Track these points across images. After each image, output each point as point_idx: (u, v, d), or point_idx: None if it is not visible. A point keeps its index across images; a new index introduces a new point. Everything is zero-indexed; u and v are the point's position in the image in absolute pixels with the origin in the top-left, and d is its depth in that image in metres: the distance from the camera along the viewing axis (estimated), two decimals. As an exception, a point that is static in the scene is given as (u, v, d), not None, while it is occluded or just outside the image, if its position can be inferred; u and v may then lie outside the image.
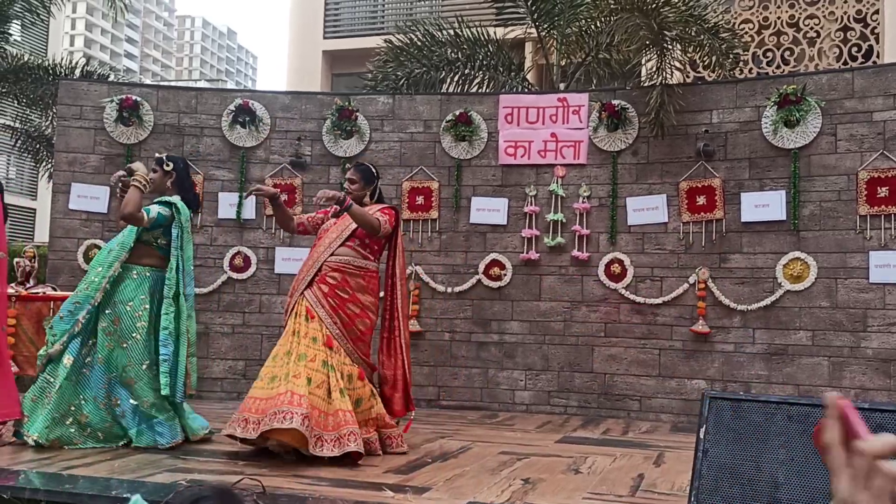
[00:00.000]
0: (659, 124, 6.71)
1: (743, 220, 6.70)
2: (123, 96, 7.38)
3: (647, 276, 6.95)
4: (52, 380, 4.56)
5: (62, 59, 10.94)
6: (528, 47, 11.38)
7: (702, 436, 2.96)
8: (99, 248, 7.25)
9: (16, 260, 6.71)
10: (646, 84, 7.51)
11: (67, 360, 4.56)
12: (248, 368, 7.25)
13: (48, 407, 4.47)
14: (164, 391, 4.58)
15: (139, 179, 4.67)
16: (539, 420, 6.56)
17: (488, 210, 7.33)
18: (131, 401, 4.61)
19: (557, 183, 7.18)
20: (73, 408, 4.55)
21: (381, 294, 5.01)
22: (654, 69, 6.93)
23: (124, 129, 7.39)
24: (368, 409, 4.64)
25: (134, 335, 4.64)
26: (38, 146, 11.14)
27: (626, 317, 6.97)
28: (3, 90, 10.40)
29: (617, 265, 7.01)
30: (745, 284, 6.67)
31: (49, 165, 11.37)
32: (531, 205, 7.22)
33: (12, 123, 12.11)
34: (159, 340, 4.65)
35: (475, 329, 7.26)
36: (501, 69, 8.27)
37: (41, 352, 4.67)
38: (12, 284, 6.71)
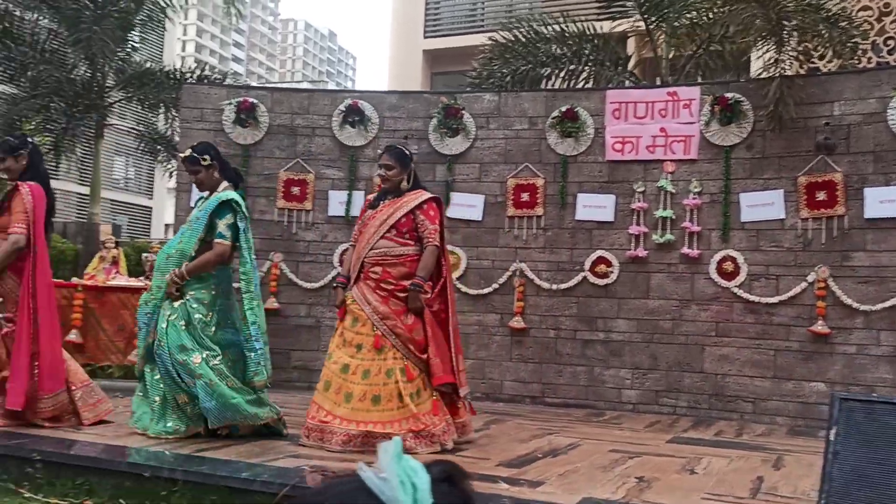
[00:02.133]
0: (777, 117, 6.49)
1: (866, 216, 6.40)
2: (241, 99, 7.70)
3: (762, 274, 6.73)
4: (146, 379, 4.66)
5: (181, 65, 11.48)
6: (630, 42, 11.21)
7: (832, 438, 2.87)
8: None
9: (144, 255, 7.12)
10: (762, 76, 7.26)
11: (141, 349, 4.71)
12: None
13: (149, 402, 4.60)
14: (261, 379, 4.60)
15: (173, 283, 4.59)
16: (647, 420, 6.46)
17: (595, 206, 7.26)
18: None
19: (667, 179, 7.04)
20: (177, 397, 4.58)
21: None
22: (771, 61, 6.69)
23: (241, 130, 7.70)
24: (406, 406, 4.46)
25: (198, 328, 4.58)
26: (158, 147, 11.72)
27: (739, 316, 6.77)
28: (129, 95, 10.99)
29: (729, 263, 6.82)
30: (868, 283, 6.37)
31: (169, 166, 12.00)
32: (639, 201, 7.11)
33: (135, 126, 12.84)
34: (250, 334, 4.61)
35: (580, 326, 7.21)
36: (608, 64, 8.18)
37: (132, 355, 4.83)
38: (141, 278, 7.14)
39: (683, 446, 5.14)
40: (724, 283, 6.82)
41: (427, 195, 4.79)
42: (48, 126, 10.90)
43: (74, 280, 7.20)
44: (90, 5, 10.03)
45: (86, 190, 23.32)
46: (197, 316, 4.57)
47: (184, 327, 4.54)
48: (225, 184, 4.80)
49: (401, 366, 4.49)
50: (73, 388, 4.80)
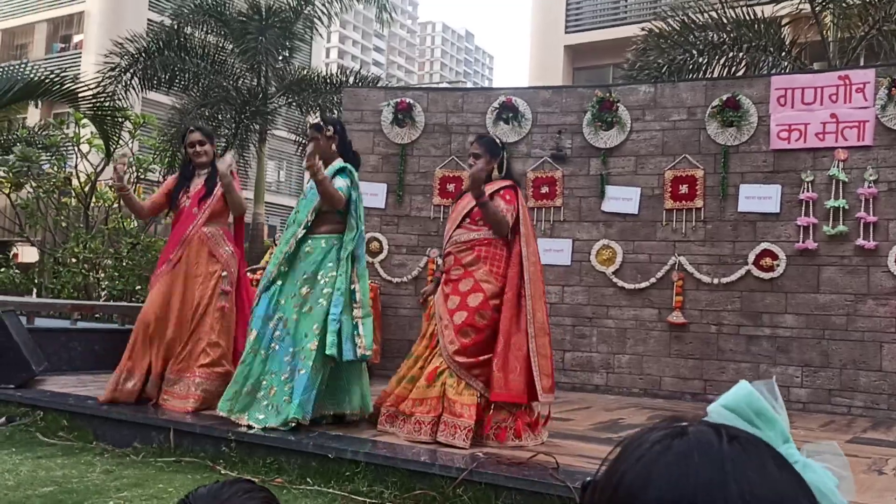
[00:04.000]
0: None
1: None
2: (398, 100, 7.97)
3: (949, 266, 6.26)
4: (244, 357, 4.64)
5: (327, 71, 11.99)
6: (789, 26, 10.67)
7: None
8: (378, 240, 7.90)
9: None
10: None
11: (252, 335, 4.63)
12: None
13: (238, 382, 4.58)
14: (330, 350, 4.36)
15: (315, 168, 4.40)
16: (820, 419, 6.16)
17: (758, 198, 6.99)
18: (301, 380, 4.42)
19: (838, 167, 6.69)
20: (264, 382, 4.54)
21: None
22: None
23: (399, 130, 7.97)
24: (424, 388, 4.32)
25: (321, 301, 4.49)
26: (316, 150, 12.27)
27: (923, 311, 6.34)
28: (289, 101, 11.60)
29: (910, 255, 6.39)
30: None
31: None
32: (808, 191, 6.79)
33: (285, 133, 13.53)
34: (331, 301, 4.45)
35: (744, 322, 6.97)
36: (771, 49, 7.84)
37: None
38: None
39: (865, 447, 4.88)
40: (904, 276, 6.40)
41: (505, 182, 4.55)
42: (218, 133, 11.70)
43: (248, 275, 7.72)
44: (255, 17, 10.65)
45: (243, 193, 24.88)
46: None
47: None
48: (340, 160, 4.76)
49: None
50: None
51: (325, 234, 4.64)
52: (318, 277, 4.55)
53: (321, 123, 4.70)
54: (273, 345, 4.55)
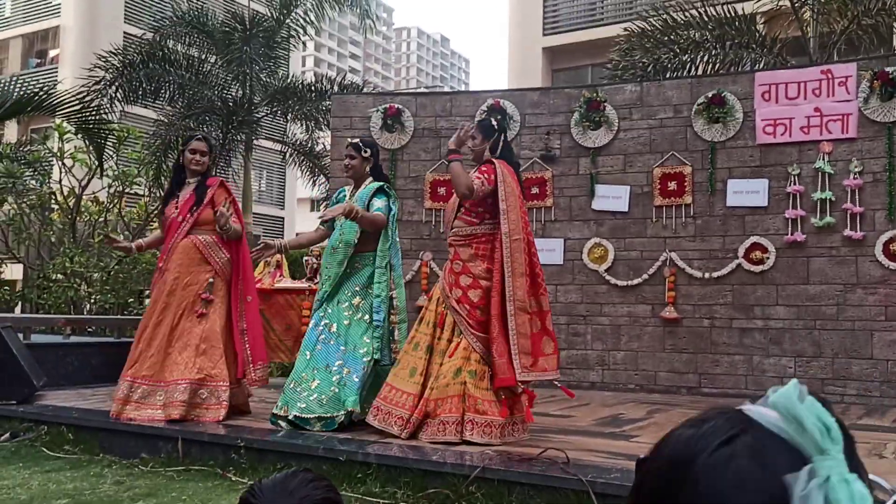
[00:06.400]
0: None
1: None
2: (387, 105, 8.01)
3: (935, 254, 6.40)
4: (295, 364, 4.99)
5: (316, 78, 12.01)
6: (770, 23, 10.83)
7: None
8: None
9: (305, 258, 7.53)
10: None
11: (303, 343, 4.96)
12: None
13: (288, 381, 4.84)
14: (376, 355, 4.69)
15: (355, 212, 4.76)
16: (815, 408, 6.25)
17: (746, 192, 7.11)
18: (354, 376, 4.70)
19: (824, 160, 6.81)
20: (305, 376, 4.76)
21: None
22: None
23: (388, 135, 8.01)
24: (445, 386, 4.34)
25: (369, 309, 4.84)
26: (302, 158, 12.30)
27: (911, 299, 6.47)
28: (274, 110, 11.61)
29: (897, 244, 6.52)
30: None
31: (313, 177, 12.55)
32: (794, 184, 6.91)
33: (267, 143, 13.54)
34: (372, 307, 4.78)
35: (736, 315, 7.08)
36: (754, 46, 7.97)
37: None
38: (303, 280, 7.56)
39: (862, 433, 4.96)
40: (892, 265, 6.54)
41: (488, 159, 4.53)
42: (204, 144, 11.67)
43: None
44: (238, 28, 10.66)
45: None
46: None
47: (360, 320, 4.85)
48: (370, 179, 5.08)
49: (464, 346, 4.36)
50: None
51: (371, 251, 4.93)
52: (369, 289, 4.88)
53: (360, 144, 5.04)
54: (318, 346, 4.82)
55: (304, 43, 12.83)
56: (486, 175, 4.41)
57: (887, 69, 6.59)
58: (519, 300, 4.31)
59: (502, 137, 4.66)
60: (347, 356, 4.75)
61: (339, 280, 4.93)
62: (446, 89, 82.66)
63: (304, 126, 12.08)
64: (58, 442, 4.92)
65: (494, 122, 4.78)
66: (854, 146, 6.76)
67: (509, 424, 4.32)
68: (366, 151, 5.04)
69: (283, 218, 29.11)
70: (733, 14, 8.32)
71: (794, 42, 8.84)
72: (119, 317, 9.39)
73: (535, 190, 7.70)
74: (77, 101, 7.44)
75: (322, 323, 4.88)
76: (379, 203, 4.93)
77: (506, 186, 4.41)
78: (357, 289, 4.90)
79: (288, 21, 11.64)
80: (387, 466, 3.98)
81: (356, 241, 4.92)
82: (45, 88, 7.45)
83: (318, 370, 4.75)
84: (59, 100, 7.16)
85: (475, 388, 4.28)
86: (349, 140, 5.26)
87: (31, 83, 8.83)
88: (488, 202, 4.45)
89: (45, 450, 4.83)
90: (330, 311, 4.89)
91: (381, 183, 5.06)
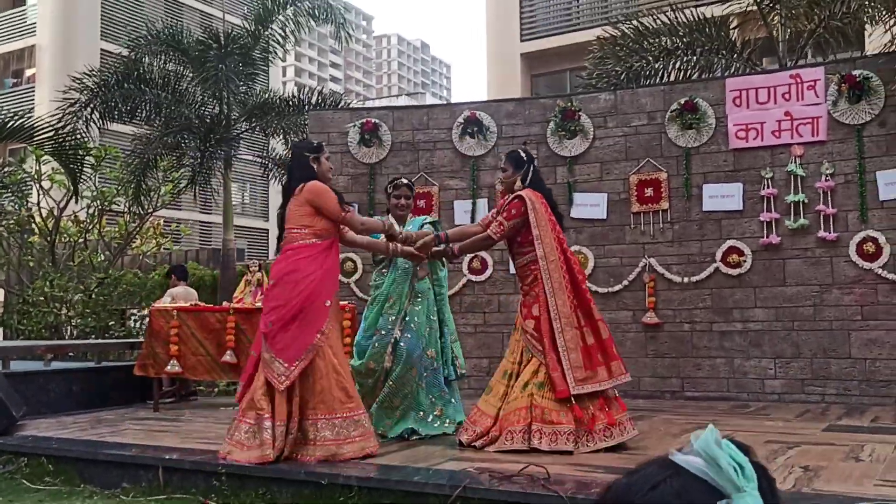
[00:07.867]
0: (912, 90, 6.24)
1: None
2: (364, 120, 8.03)
3: (908, 252, 6.48)
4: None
5: (297, 90, 11.99)
6: (737, 28, 10.92)
7: None
8: (352, 260, 7.92)
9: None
10: (892, 50, 6.97)
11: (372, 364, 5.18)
12: (491, 365, 7.59)
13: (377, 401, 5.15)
14: (447, 373, 5.19)
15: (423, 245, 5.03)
16: (795, 409, 6.32)
17: (722, 196, 7.17)
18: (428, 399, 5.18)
19: (795, 163, 6.89)
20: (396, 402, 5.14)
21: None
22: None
23: (366, 150, 8.03)
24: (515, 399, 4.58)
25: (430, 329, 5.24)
26: (283, 172, 12.27)
27: (886, 298, 6.54)
28: (252, 125, 11.59)
29: (870, 244, 6.60)
30: None
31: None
32: (768, 187, 6.98)
33: (248, 156, 13.52)
34: (442, 333, 5.27)
35: (716, 318, 7.13)
36: (724, 52, 8.05)
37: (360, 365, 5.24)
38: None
39: (841, 434, 5.03)
40: (866, 264, 6.61)
41: (516, 195, 4.74)
42: (182, 162, 11.62)
43: (225, 304, 7.69)
44: (214, 45, 10.63)
45: (207, 217, 24.77)
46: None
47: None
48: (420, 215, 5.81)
49: (533, 369, 4.57)
50: None
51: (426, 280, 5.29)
52: (430, 315, 5.23)
53: (412, 184, 5.48)
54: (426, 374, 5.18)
55: (283, 56, 12.78)
56: (508, 212, 4.71)
57: (854, 72, 6.67)
58: (564, 316, 4.57)
59: (531, 167, 4.84)
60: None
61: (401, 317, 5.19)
62: (428, 95, 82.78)
63: (284, 140, 12.06)
64: (38, 473, 4.89)
65: (523, 154, 4.91)
66: (825, 148, 6.84)
67: (584, 433, 4.44)
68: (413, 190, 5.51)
69: (267, 230, 29.05)
70: (703, 18, 8.39)
71: (765, 43, 8.93)
72: (100, 341, 9.33)
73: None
74: (50, 129, 7.39)
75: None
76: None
77: (536, 214, 4.68)
78: (432, 318, 5.28)
79: (267, 33, 11.63)
80: (368, 489, 3.98)
81: (414, 271, 5.24)
82: (20, 114, 7.39)
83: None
84: (33, 126, 7.12)
85: (542, 398, 4.49)
86: (404, 180, 5.40)
87: (8, 104, 8.77)
88: (525, 233, 4.70)
89: (25, 482, 4.79)
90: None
91: (434, 219, 5.71)
